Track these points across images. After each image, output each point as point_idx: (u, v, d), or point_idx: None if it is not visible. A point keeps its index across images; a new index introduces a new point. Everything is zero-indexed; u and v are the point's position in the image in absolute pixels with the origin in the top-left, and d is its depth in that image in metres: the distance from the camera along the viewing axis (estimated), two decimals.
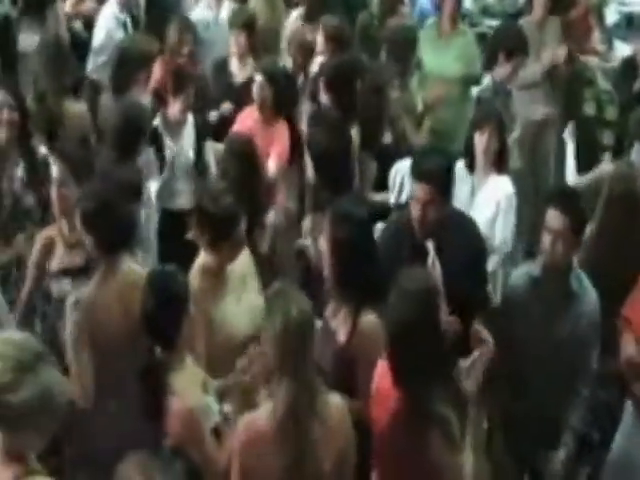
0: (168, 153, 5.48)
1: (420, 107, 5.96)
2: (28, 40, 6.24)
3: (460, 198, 4.72)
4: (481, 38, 6.87)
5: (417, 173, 4.05)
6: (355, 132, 5.22)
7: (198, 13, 7.07)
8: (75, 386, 3.68)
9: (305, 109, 5.89)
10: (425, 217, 3.96)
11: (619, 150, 5.76)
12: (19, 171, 4.85)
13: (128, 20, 6.87)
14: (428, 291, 3.20)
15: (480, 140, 4.77)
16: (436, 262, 3.90)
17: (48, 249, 4.20)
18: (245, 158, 4.57)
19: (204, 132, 5.64)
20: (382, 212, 4.69)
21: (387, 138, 5.37)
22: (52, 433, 2.63)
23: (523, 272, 4.06)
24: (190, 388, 3.35)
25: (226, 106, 6.07)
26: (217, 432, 3.38)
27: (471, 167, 4.86)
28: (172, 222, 5.14)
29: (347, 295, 3.58)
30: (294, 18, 7.06)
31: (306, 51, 6.51)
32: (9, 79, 5.56)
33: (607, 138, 6.00)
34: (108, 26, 6.70)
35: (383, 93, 5.40)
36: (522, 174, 5.48)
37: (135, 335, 3.56)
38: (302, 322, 2.96)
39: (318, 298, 3.71)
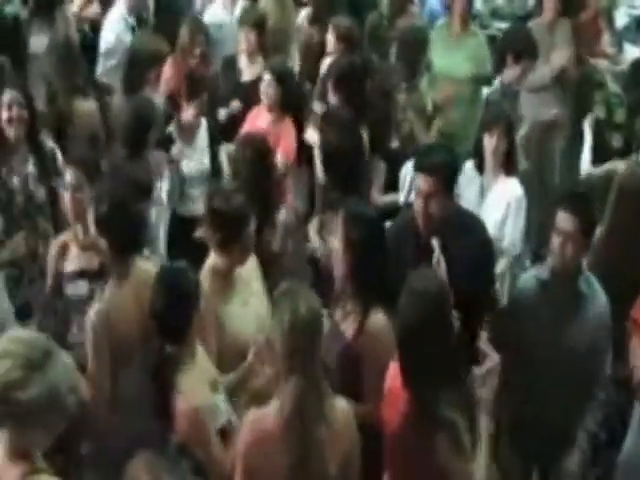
0: (180, 157, 5.48)
1: (430, 108, 5.96)
2: (38, 42, 6.26)
3: (469, 199, 4.73)
4: (490, 40, 6.85)
5: (420, 165, 4.05)
6: (364, 135, 5.22)
7: (212, 13, 7.09)
8: (89, 387, 3.69)
9: (316, 110, 5.89)
10: (427, 210, 3.95)
11: (627, 152, 5.75)
12: (29, 167, 4.87)
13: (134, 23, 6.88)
14: (439, 293, 3.19)
15: (489, 142, 4.77)
16: (441, 260, 3.89)
17: (61, 254, 4.21)
18: (260, 157, 4.56)
19: (218, 137, 5.64)
20: (391, 213, 4.70)
21: (394, 142, 5.38)
22: (59, 431, 2.63)
23: (531, 275, 4.05)
24: (198, 387, 3.34)
25: (235, 104, 6.07)
26: (225, 432, 3.38)
27: (480, 168, 4.85)
28: (183, 227, 5.13)
29: (357, 294, 3.58)
30: (302, 18, 7.07)
31: (312, 52, 6.52)
32: (18, 78, 5.57)
33: (616, 141, 5.98)
34: (117, 30, 6.71)
35: (391, 96, 5.41)
36: (528, 176, 5.47)
37: (150, 334, 3.56)
38: (310, 320, 2.96)
39: (327, 298, 3.72)
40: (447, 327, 3.18)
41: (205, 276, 3.73)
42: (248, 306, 3.86)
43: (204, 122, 5.57)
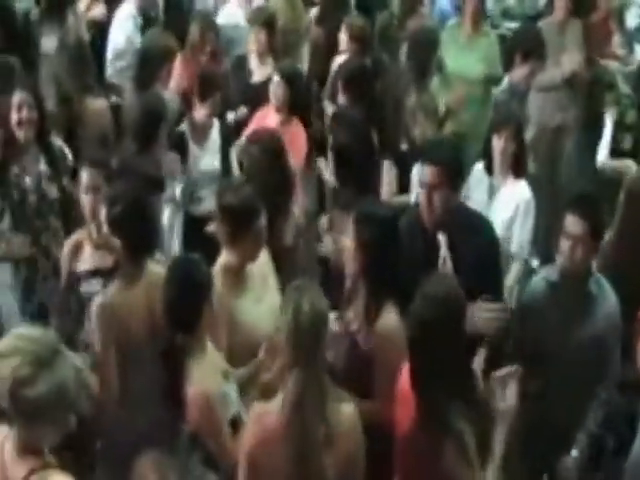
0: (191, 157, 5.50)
1: (442, 109, 5.96)
2: (49, 42, 6.27)
3: (478, 200, 4.74)
4: (501, 40, 6.85)
5: (426, 157, 4.07)
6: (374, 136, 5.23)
7: (227, 12, 7.09)
8: (99, 384, 3.72)
9: (326, 110, 5.90)
10: (431, 202, 3.95)
11: (637, 153, 5.74)
12: (41, 166, 4.89)
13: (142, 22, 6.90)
14: (454, 298, 3.16)
15: (498, 143, 4.78)
16: (447, 257, 3.89)
17: (75, 253, 4.23)
18: (270, 152, 4.55)
19: (230, 138, 5.65)
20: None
21: (403, 144, 5.38)
22: (68, 428, 2.65)
23: (541, 277, 4.05)
24: (209, 376, 3.35)
25: (242, 110, 6.06)
26: (235, 423, 3.38)
27: (489, 169, 4.85)
28: (195, 227, 5.15)
29: (369, 294, 3.58)
30: (312, 17, 7.09)
31: (320, 52, 6.54)
32: (28, 78, 5.59)
33: (627, 142, 5.96)
34: (127, 30, 6.73)
35: (400, 99, 5.41)
36: (538, 178, 5.47)
37: (158, 333, 3.59)
38: (313, 317, 2.95)
39: (337, 297, 3.72)
40: (460, 334, 3.14)
41: (217, 273, 3.73)
42: (262, 302, 3.86)
43: (216, 122, 5.58)
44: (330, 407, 2.99)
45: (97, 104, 5.70)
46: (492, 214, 4.62)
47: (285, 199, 4.50)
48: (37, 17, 6.53)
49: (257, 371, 3.62)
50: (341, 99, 5.55)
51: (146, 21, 6.85)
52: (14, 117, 4.79)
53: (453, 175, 4.00)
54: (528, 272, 4.95)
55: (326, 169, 5.28)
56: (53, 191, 4.89)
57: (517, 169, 4.81)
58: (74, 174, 4.93)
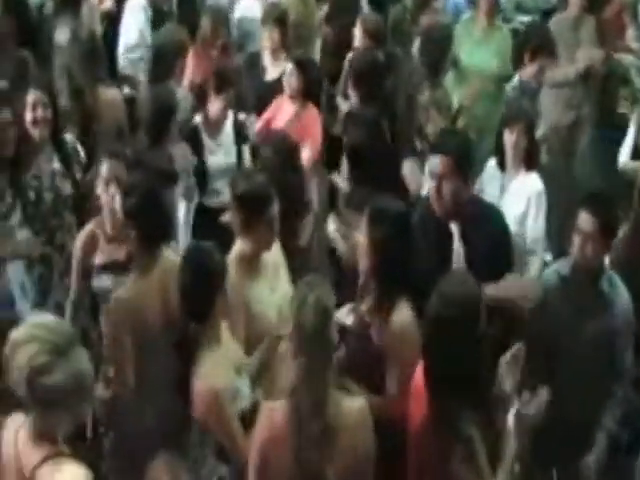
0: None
1: (456, 104, 5.96)
2: (62, 35, 6.29)
3: (491, 195, 4.73)
4: (514, 34, 6.83)
5: (436, 147, 4.13)
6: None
7: (244, 6, 7.09)
8: (114, 377, 3.74)
9: (340, 106, 5.91)
10: (441, 192, 3.98)
11: None
12: (55, 164, 4.90)
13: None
14: (471, 298, 3.14)
15: (509, 138, 4.78)
16: (460, 247, 3.90)
17: (90, 245, 4.23)
18: (285, 153, 4.57)
19: (244, 133, 5.65)
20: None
21: (417, 142, 5.39)
22: (84, 417, 2.68)
23: (553, 270, 4.06)
24: (219, 369, 3.36)
25: (251, 119, 6.06)
26: (246, 419, 3.37)
27: (502, 165, 4.85)
28: (209, 218, 5.16)
29: (382, 291, 3.58)
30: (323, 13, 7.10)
31: (329, 50, 6.54)
32: (41, 75, 5.61)
33: None
34: (139, 24, 6.73)
35: (413, 97, 5.41)
36: (551, 174, 5.47)
37: (173, 323, 3.61)
38: (316, 311, 2.95)
39: (351, 295, 3.74)
40: (475, 335, 3.10)
41: (231, 263, 3.74)
42: (275, 293, 3.87)
43: (230, 117, 5.58)
44: (333, 400, 2.98)
45: (110, 95, 5.68)
46: (503, 207, 4.61)
47: (298, 200, 4.52)
48: (52, 10, 6.55)
49: (267, 361, 3.63)
50: (351, 95, 5.55)
51: (156, 13, 6.85)
52: (28, 116, 4.79)
53: (463, 165, 4.02)
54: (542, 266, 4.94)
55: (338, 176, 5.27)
56: (67, 187, 4.91)
57: (529, 163, 4.81)
58: (86, 169, 4.98)
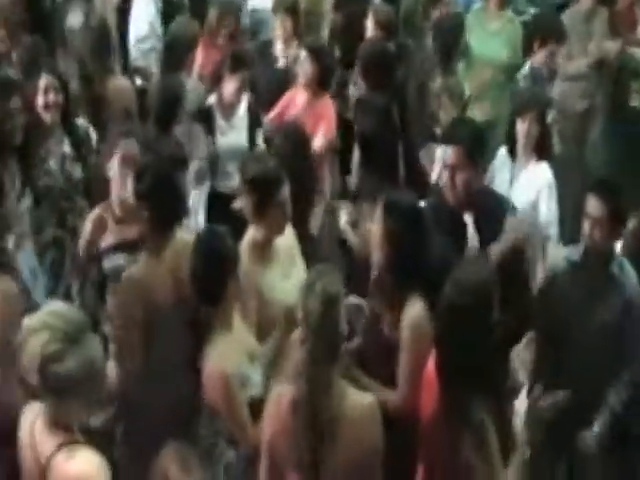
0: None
1: (467, 93, 5.96)
2: (75, 19, 6.31)
3: (501, 184, 4.75)
4: (525, 27, 6.84)
5: (447, 138, 4.16)
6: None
7: None
8: (122, 358, 3.74)
9: (352, 95, 5.91)
10: (454, 182, 3.99)
11: None
12: (65, 148, 4.92)
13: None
14: (486, 286, 3.14)
15: (522, 127, 4.78)
16: (475, 238, 3.91)
17: (98, 229, 4.22)
18: (296, 141, 4.55)
19: (258, 118, 5.65)
20: None
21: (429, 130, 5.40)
22: (96, 405, 2.69)
23: (562, 256, 4.08)
24: (229, 354, 3.35)
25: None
26: (257, 407, 3.35)
27: (512, 154, 4.85)
28: (220, 203, 5.16)
29: (396, 284, 3.56)
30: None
31: (337, 39, 6.55)
32: (53, 61, 5.62)
33: None
34: (149, 15, 6.75)
35: (425, 86, 5.41)
36: (564, 162, 5.47)
37: (184, 302, 3.62)
38: (323, 299, 2.93)
39: (363, 286, 3.73)
40: (489, 324, 3.11)
41: (244, 249, 3.75)
42: (289, 278, 3.86)
43: (245, 100, 5.58)
44: (339, 391, 2.96)
45: (119, 83, 5.72)
46: (513, 196, 4.63)
47: (309, 184, 4.50)
48: None
49: (281, 348, 3.60)
50: (360, 84, 5.56)
51: (167, 4, 6.87)
52: (40, 100, 4.83)
53: (474, 155, 4.04)
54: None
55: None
56: (77, 171, 4.92)
57: (540, 152, 4.82)
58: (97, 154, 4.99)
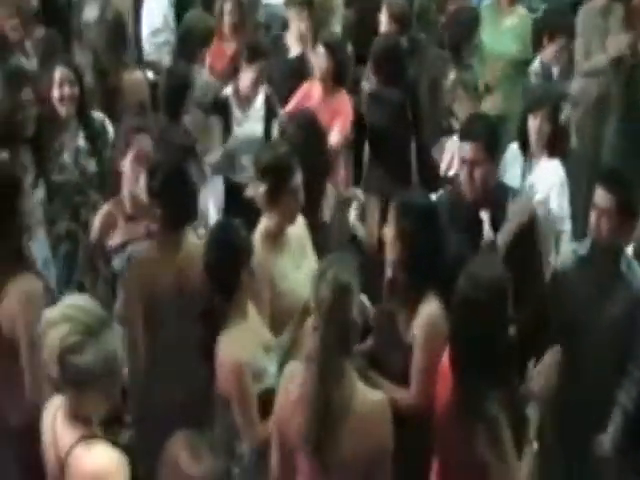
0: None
1: (481, 87, 5.96)
2: (91, 12, 6.33)
3: (512, 180, 4.72)
4: (535, 22, 6.83)
5: (464, 134, 4.11)
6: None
7: None
8: (127, 348, 3.74)
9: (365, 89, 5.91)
10: (473, 178, 3.98)
11: None
12: (80, 141, 4.94)
13: None
14: (499, 281, 3.14)
15: (533, 123, 4.77)
16: (491, 235, 3.91)
17: (107, 226, 4.20)
18: (309, 129, 4.54)
19: (274, 109, 5.64)
20: None
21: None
22: (115, 398, 2.71)
23: (570, 250, 4.06)
24: (243, 343, 3.36)
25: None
26: (269, 399, 3.34)
27: (524, 150, 4.85)
28: (235, 195, 5.18)
29: (410, 283, 3.55)
30: None
31: (350, 34, 6.54)
32: (68, 54, 5.64)
33: None
34: (163, 8, 6.77)
35: (437, 79, 5.40)
36: (580, 159, 5.47)
37: (187, 298, 3.65)
38: (334, 287, 2.92)
39: (373, 280, 3.71)
40: (502, 318, 3.11)
41: (257, 239, 3.76)
42: (301, 269, 3.87)
43: (263, 91, 5.59)
44: (348, 383, 2.95)
45: (134, 77, 5.73)
46: (524, 192, 4.62)
47: (322, 175, 4.49)
48: None
49: (297, 337, 3.61)
50: (371, 78, 5.56)
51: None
52: (55, 93, 4.84)
53: (492, 150, 4.03)
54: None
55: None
56: (91, 165, 4.93)
57: (552, 149, 4.80)
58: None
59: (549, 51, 6.04)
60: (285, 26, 6.55)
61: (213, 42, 6.16)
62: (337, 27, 6.82)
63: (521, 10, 6.76)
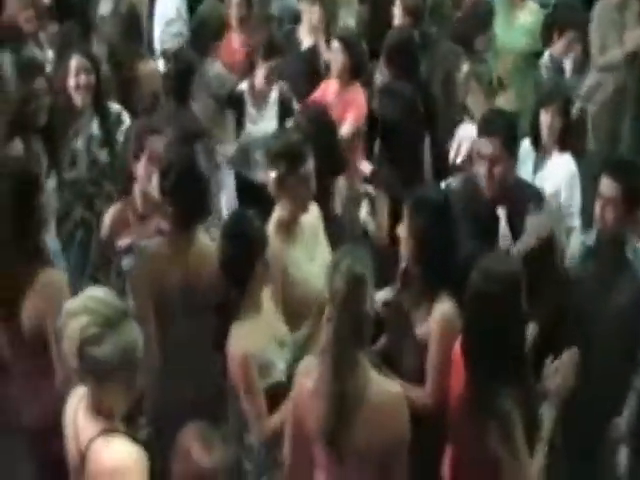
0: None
1: (494, 81, 5.97)
2: (106, 6, 6.37)
3: (524, 175, 4.71)
4: (545, 17, 6.83)
5: (483, 129, 4.09)
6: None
7: None
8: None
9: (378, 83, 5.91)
10: (492, 174, 3.96)
11: None
12: (93, 129, 4.96)
13: None
14: (513, 276, 3.13)
15: (545, 118, 4.77)
16: (507, 231, 3.92)
17: (118, 225, 4.18)
18: (320, 122, 4.54)
19: (290, 107, 5.64)
20: None
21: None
22: (135, 392, 2.72)
23: (579, 241, 4.09)
24: (255, 337, 3.37)
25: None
26: (277, 394, 3.38)
27: (536, 144, 4.85)
28: (248, 191, 5.18)
29: (424, 282, 3.55)
30: None
31: (364, 29, 6.55)
32: (85, 43, 5.66)
33: None
34: (175, 1, 6.79)
35: (450, 73, 5.40)
36: (596, 157, 5.47)
37: (194, 292, 3.68)
38: (348, 278, 2.92)
39: (384, 273, 3.69)
40: (516, 313, 3.11)
41: (271, 229, 3.77)
42: (314, 260, 3.88)
43: (277, 88, 5.60)
44: (363, 374, 2.95)
45: (149, 66, 5.77)
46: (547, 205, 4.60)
47: (334, 168, 4.52)
48: None
49: (312, 336, 3.60)
50: (383, 72, 5.56)
51: None
52: (71, 82, 4.87)
53: (511, 145, 4.02)
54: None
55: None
56: (103, 155, 4.95)
57: (563, 144, 4.81)
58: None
59: (559, 45, 6.05)
60: (297, 19, 6.57)
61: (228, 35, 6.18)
62: (350, 20, 6.83)
63: (533, 5, 6.76)
